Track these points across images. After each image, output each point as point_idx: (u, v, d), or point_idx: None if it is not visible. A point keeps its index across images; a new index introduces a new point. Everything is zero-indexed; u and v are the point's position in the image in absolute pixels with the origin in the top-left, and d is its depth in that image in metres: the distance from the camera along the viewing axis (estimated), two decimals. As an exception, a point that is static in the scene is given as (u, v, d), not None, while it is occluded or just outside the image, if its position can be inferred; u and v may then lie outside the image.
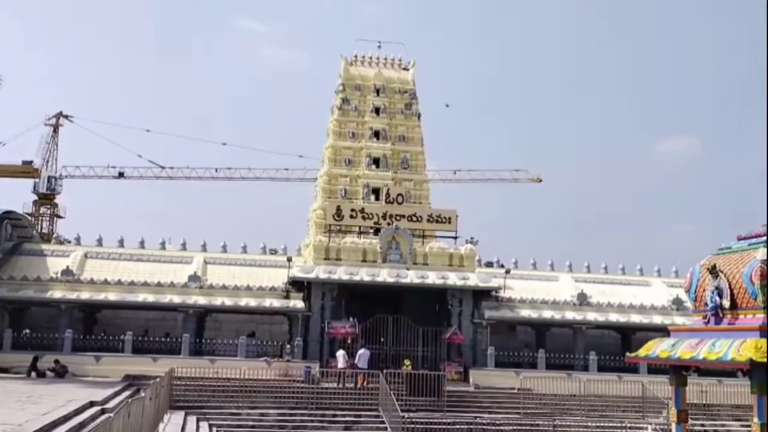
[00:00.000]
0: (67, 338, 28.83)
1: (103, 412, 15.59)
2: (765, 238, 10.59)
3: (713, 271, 10.86)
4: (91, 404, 17.35)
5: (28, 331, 29.82)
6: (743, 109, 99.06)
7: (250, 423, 23.57)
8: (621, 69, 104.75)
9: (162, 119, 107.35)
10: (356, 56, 38.97)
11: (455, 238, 33.45)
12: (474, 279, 31.76)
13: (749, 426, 10.71)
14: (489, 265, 36.46)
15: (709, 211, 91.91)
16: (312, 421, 24.26)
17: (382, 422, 24.16)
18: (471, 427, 23.80)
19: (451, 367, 29.75)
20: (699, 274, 11.27)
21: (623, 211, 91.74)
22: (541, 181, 58.84)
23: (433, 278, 31.34)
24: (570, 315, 32.90)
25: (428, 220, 33.42)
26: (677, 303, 32.85)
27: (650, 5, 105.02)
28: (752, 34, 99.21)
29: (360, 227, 33.42)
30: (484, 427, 24.10)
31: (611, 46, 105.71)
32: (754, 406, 9.76)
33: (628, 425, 24.59)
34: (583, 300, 33.21)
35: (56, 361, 27.10)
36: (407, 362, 28.16)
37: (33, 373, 26.29)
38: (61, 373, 26.72)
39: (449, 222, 33.33)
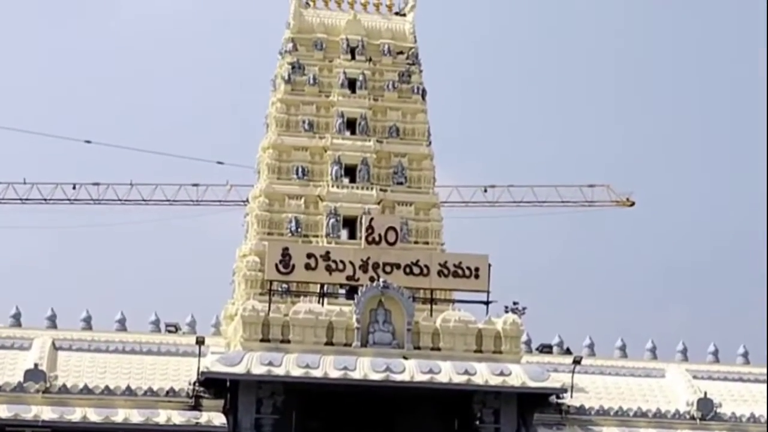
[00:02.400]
0: None
1: None
2: None
3: None
4: None
5: None
6: None
7: None
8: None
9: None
10: (314, -7, 38.49)
11: (487, 303, 32.71)
12: (519, 374, 30.69)
13: None
14: (546, 349, 36.14)
15: None
16: None
17: None
18: None
19: None
20: None
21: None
22: (633, 204, 58.23)
23: (449, 373, 30.25)
24: None
25: (441, 273, 32.34)
26: None
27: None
28: None
29: (323, 285, 32.71)
30: None
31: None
32: None
33: None
34: (707, 409, 32.20)
35: None
36: None
37: None
38: None
39: (476, 276, 32.25)
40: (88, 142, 60.55)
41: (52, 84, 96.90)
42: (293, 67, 37.07)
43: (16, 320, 34.61)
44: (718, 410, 32.42)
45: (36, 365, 30.57)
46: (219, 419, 30.12)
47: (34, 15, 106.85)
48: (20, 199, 58.28)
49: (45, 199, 58.47)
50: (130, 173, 61.03)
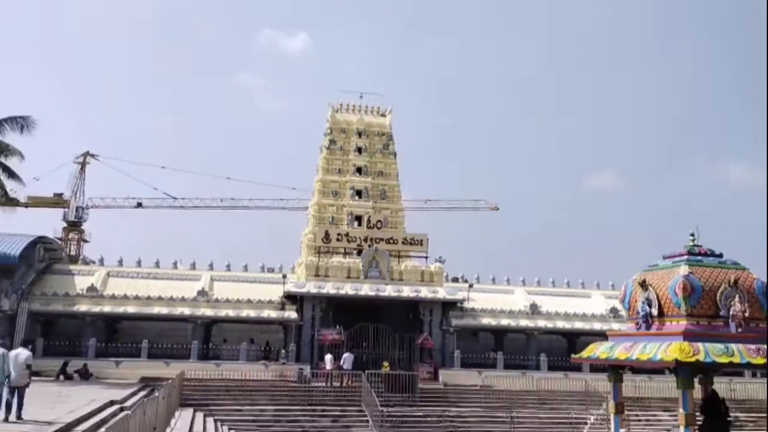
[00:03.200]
0: (90, 346, 28.34)
1: (122, 410, 15.24)
2: (686, 257, 10.71)
3: (643, 284, 10.95)
4: (111, 403, 17.00)
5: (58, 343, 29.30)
6: (659, 147, 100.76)
7: (251, 418, 23.25)
8: (553, 116, 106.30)
9: (175, 157, 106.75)
10: (341, 104, 38.94)
11: (426, 257, 33.33)
12: (442, 292, 31.74)
13: (676, 416, 10.74)
14: (455, 280, 36.31)
15: (636, 232, 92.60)
16: (304, 415, 23.99)
17: (365, 416, 23.96)
18: (441, 418, 23.67)
19: (423, 368, 29.59)
20: (632, 288, 11.35)
21: (567, 233, 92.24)
22: (497, 209, 58.77)
23: (407, 292, 31.28)
24: (524, 322, 32.95)
25: (403, 243, 33.35)
26: (614, 312, 33.01)
27: (576, 51, 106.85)
28: (675, 80, 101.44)
29: (345, 249, 33.16)
30: (452, 418, 23.99)
31: (550, 100, 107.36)
32: (680, 399, 9.80)
33: (574, 416, 24.58)
34: (534, 309, 33.30)
35: (84, 365, 26.67)
36: (386, 364, 28.00)
37: (61, 376, 25.79)
38: (85, 376, 26.23)
39: (421, 244, 33.27)
40: (228, 178, 60.04)
41: (209, 145, 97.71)
42: (330, 141, 36.74)
43: (193, 266, 34.31)
44: (540, 309, 33.44)
45: (203, 288, 31.24)
46: (294, 315, 30.86)
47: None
48: (194, 207, 58.40)
49: (207, 207, 58.17)
50: (250, 194, 61.09)
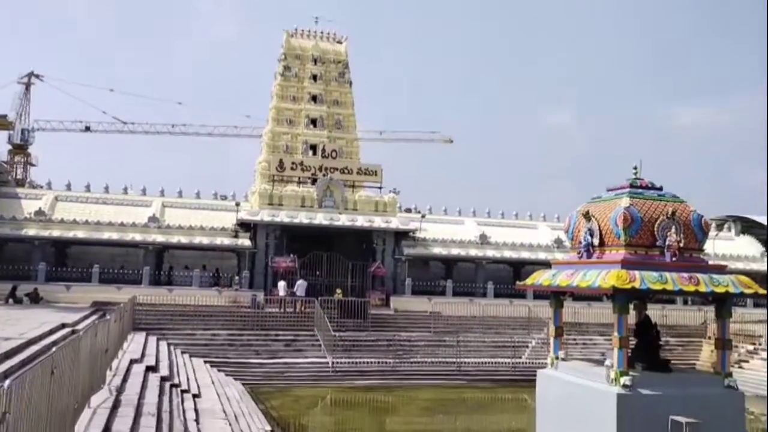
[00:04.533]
0: (40, 270, 27.88)
1: (73, 332, 15.14)
2: (628, 189, 10.99)
3: (587, 215, 11.22)
4: (63, 326, 16.87)
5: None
6: (616, 86, 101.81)
7: (204, 342, 23.45)
8: (518, 51, 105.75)
9: (124, 80, 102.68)
10: (296, 29, 37.95)
11: (380, 188, 33.42)
12: (395, 222, 32.04)
13: (610, 339, 11.27)
14: (408, 211, 36.56)
15: (583, 168, 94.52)
16: (257, 339, 24.30)
17: (317, 340, 24.43)
18: (390, 342, 24.33)
19: (375, 295, 30.06)
20: (576, 218, 11.63)
21: (518, 167, 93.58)
22: (452, 141, 58.52)
23: (361, 221, 31.44)
24: (473, 252, 33.70)
25: (358, 173, 33.28)
26: (558, 242, 34.09)
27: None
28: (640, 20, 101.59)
29: (299, 178, 32.97)
30: (402, 342, 24.69)
31: (510, 35, 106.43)
32: (615, 323, 10.26)
33: (517, 339, 25.60)
34: (483, 240, 34.05)
35: (35, 289, 26.24)
36: (339, 291, 28.38)
37: (11, 300, 25.35)
38: (35, 299, 25.85)
39: (375, 174, 33.27)
40: (180, 103, 58.54)
41: (160, 69, 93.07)
42: (285, 68, 35.93)
43: (143, 191, 33.77)
44: (489, 240, 34.17)
45: (154, 214, 30.99)
46: (247, 243, 30.78)
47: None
48: (144, 132, 56.43)
49: (157, 132, 56.40)
50: (203, 120, 59.21)
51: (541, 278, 11.77)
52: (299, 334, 24.96)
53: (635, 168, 11.37)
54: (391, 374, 22.54)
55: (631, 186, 11.07)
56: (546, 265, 14.91)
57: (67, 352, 6.09)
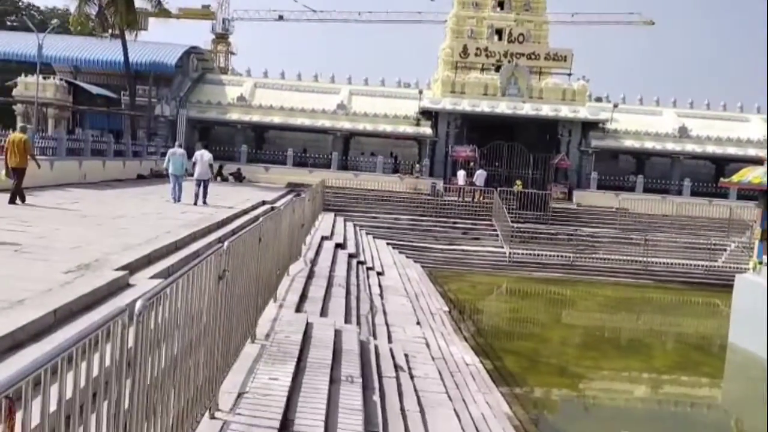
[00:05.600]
0: (242, 152, 30.67)
1: (272, 209, 16.73)
2: None
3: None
4: (263, 203, 18.69)
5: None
6: None
7: (386, 225, 24.70)
8: None
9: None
10: None
11: (569, 75, 31.80)
12: (584, 112, 30.58)
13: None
14: (598, 100, 34.49)
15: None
16: (436, 226, 25.10)
17: (495, 230, 24.68)
18: (571, 236, 23.88)
19: (557, 188, 29.43)
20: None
21: (728, 55, 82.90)
22: (653, 23, 53.26)
23: (546, 111, 30.41)
24: (670, 146, 31.45)
25: (545, 59, 31.64)
26: (775, 139, 30.36)
27: None
28: None
29: (483, 65, 32.18)
30: (583, 237, 24.13)
31: None
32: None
33: (714, 242, 23.87)
34: (683, 133, 31.47)
35: (238, 169, 29.14)
36: (518, 182, 28.12)
37: (218, 178, 28.33)
38: (239, 178, 28.72)
39: (564, 60, 31.47)
40: None
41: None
42: None
43: (332, 79, 34.77)
44: (690, 133, 31.60)
45: (342, 102, 32.19)
46: (429, 131, 31.24)
47: None
48: (333, 20, 57.53)
49: (345, 20, 57.06)
50: (387, 6, 58.32)
51: (750, 175, 10.75)
52: (477, 223, 25.35)
53: None
54: (571, 268, 22.29)
55: None
56: (756, 163, 13.50)
57: (270, 224, 6.80)
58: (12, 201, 12.41)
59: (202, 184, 16.13)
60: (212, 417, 4.14)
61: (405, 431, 5.79)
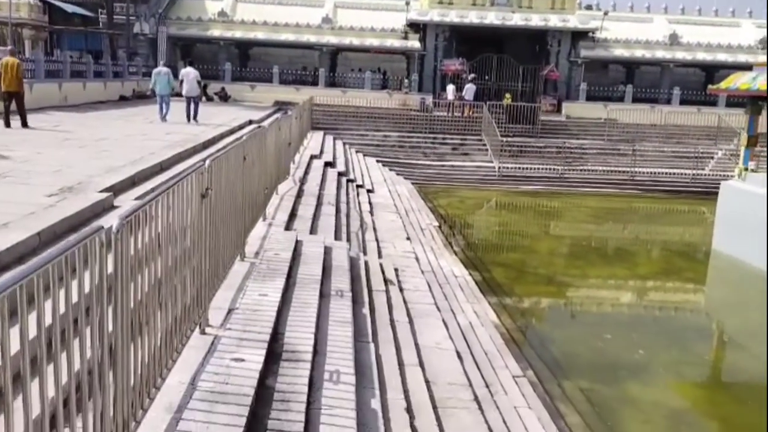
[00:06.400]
0: (227, 70, 29.89)
1: (259, 127, 16.49)
2: None
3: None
4: (250, 122, 18.40)
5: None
6: None
7: (375, 142, 24.48)
8: None
9: None
10: None
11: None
12: (573, 21, 29.82)
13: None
14: (588, 8, 33.61)
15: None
16: (425, 142, 24.91)
17: (484, 145, 24.54)
18: (560, 149, 23.79)
19: (546, 100, 29.08)
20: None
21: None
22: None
23: (535, 21, 29.62)
24: (660, 54, 30.86)
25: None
26: (764, 42, 29.87)
27: None
28: None
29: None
30: (572, 149, 24.06)
31: None
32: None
33: (701, 150, 23.88)
34: (673, 40, 30.86)
35: (223, 88, 28.51)
36: (508, 95, 27.80)
37: (203, 98, 27.79)
38: (224, 97, 28.17)
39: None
40: None
41: None
42: None
43: None
44: (680, 40, 30.96)
45: (327, 15, 31.03)
46: (417, 44, 30.46)
47: None
48: None
49: None
50: None
51: (738, 81, 10.60)
52: (466, 138, 25.16)
53: None
54: (559, 181, 22.33)
55: None
56: (746, 68, 13.30)
57: (255, 142, 6.68)
58: (24, 124, 12.67)
59: (192, 101, 16.24)
60: (203, 332, 4.19)
61: (394, 340, 5.91)
